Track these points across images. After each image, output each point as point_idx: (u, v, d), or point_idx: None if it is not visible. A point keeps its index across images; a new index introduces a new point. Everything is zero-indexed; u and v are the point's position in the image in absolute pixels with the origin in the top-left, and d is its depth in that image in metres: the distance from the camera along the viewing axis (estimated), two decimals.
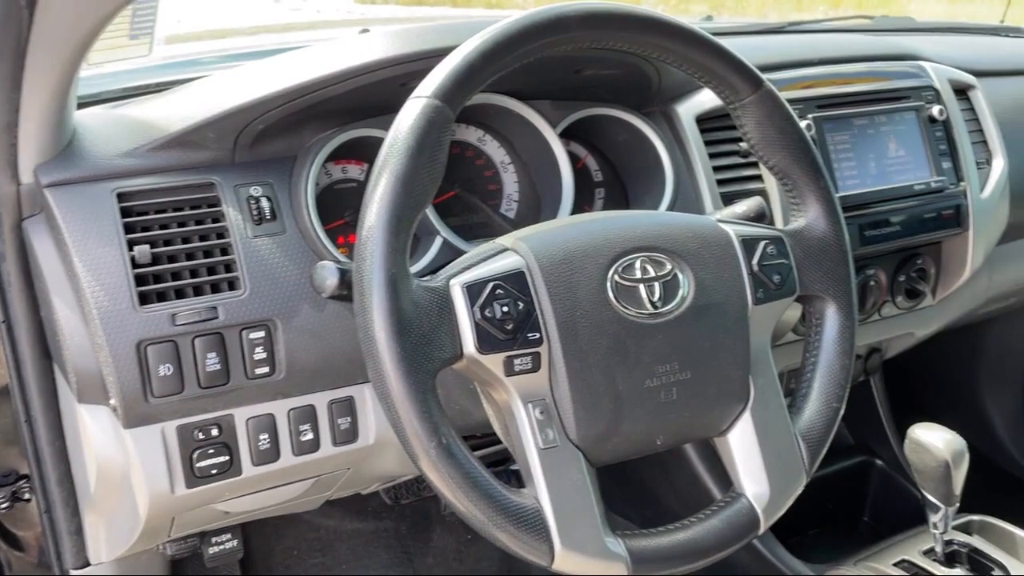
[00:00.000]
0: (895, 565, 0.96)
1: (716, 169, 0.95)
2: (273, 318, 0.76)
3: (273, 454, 0.79)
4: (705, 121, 0.96)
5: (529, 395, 0.64)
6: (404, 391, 0.58)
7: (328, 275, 0.66)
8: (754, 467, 0.70)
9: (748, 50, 1.07)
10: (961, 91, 1.14)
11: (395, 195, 0.60)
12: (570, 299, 0.64)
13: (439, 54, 0.66)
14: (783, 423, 0.73)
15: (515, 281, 0.64)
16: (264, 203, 0.78)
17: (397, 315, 0.58)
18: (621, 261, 0.67)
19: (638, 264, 0.67)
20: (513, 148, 0.97)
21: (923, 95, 1.08)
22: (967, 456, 0.90)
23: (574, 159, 1.01)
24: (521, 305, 0.63)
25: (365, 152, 0.87)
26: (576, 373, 0.64)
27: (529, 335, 0.63)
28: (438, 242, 0.85)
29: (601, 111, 0.95)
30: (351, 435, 0.83)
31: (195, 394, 0.74)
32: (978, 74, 1.18)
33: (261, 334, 0.76)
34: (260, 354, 0.76)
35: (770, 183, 0.96)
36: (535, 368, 0.64)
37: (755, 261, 0.72)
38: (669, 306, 0.67)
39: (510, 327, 0.63)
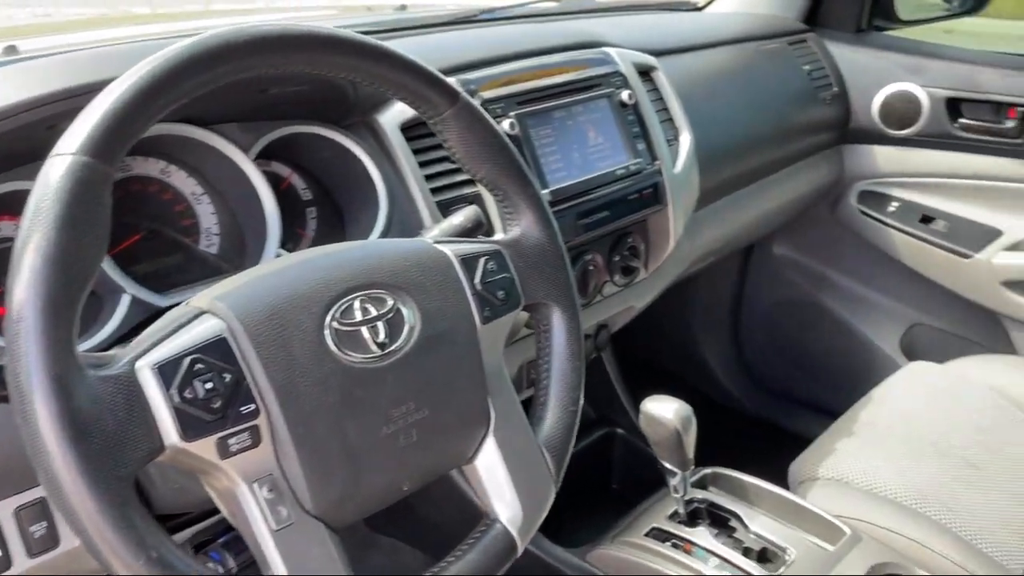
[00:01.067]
0: (647, 535, 1.00)
1: (429, 177, 0.92)
2: None
3: None
4: (411, 128, 0.92)
5: (253, 474, 0.57)
6: (94, 509, 0.49)
7: None
8: (504, 490, 0.69)
9: (444, 48, 1.07)
10: (645, 73, 1.20)
11: (46, 278, 0.49)
12: (285, 359, 0.58)
13: (89, 91, 0.56)
14: (526, 438, 0.72)
15: (217, 350, 0.56)
16: None
17: (71, 420, 0.49)
18: (337, 305, 0.61)
19: (357, 305, 0.62)
20: (205, 178, 0.87)
21: (612, 81, 1.12)
22: (694, 420, 0.96)
23: (278, 180, 0.93)
24: (228, 377, 0.56)
25: (19, 206, 0.73)
26: (303, 439, 0.58)
27: (242, 409, 0.56)
28: (125, 301, 0.74)
29: (296, 129, 0.88)
30: (50, 541, 0.71)
31: None
32: (658, 54, 1.26)
33: None
34: None
35: None
36: (255, 443, 0.57)
37: (477, 280, 0.69)
38: (397, 344, 0.63)
39: (218, 405, 0.55)
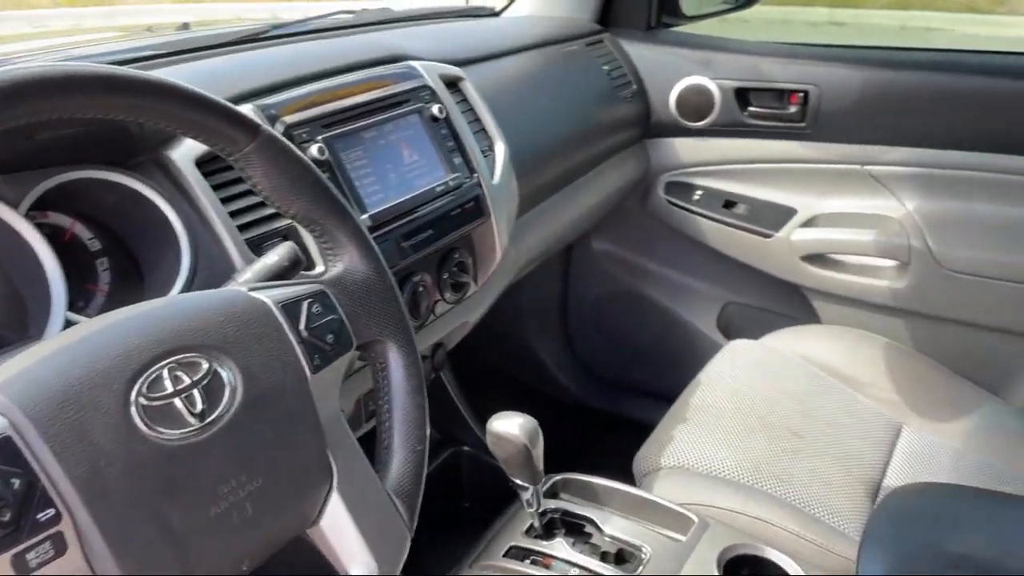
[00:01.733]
0: (505, 556, 0.98)
1: (234, 214, 0.84)
2: None
3: None
4: (208, 163, 0.84)
5: None
6: None
7: None
8: (355, 547, 0.64)
9: (237, 71, 0.99)
10: (452, 84, 1.18)
11: None
12: (86, 450, 0.50)
13: None
14: (373, 487, 0.67)
15: (0, 452, 0.48)
16: None
17: None
18: (143, 378, 0.54)
19: (166, 375, 0.55)
20: None
21: (421, 96, 1.09)
22: (540, 433, 0.95)
23: (59, 232, 0.82)
24: (17, 482, 0.48)
25: None
26: (119, 538, 0.51)
27: (39, 516, 0.48)
28: None
29: (73, 176, 0.78)
30: None
31: None
32: (462, 63, 1.24)
33: None
34: None
35: None
36: (61, 552, 0.49)
37: (302, 326, 0.64)
38: (218, 411, 0.57)
39: (8, 517, 0.47)
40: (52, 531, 0.48)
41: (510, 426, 0.93)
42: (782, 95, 1.56)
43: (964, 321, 1.49)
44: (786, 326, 1.54)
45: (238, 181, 0.86)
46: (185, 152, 0.83)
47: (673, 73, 1.63)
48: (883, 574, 0.72)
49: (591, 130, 1.50)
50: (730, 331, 1.76)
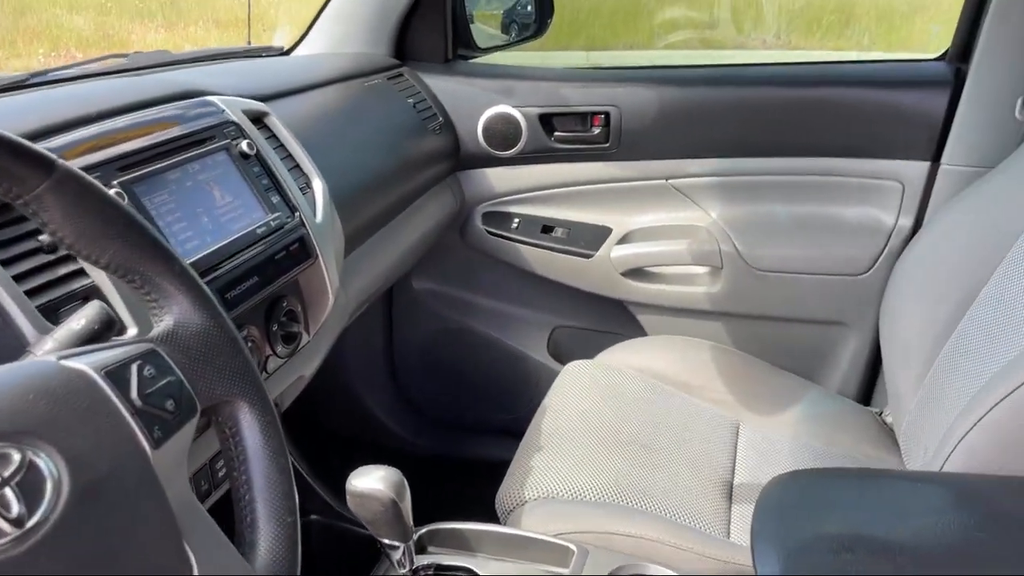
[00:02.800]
0: None
1: (19, 278, 0.70)
2: None
3: None
4: None
5: None
6: None
7: None
8: None
9: (9, 113, 0.85)
10: (258, 120, 1.08)
11: None
12: None
13: None
14: (241, 573, 0.57)
15: None
16: None
17: None
18: None
19: None
20: None
21: (226, 132, 0.99)
22: (406, 483, 0.87)
23: None
24: None
25: None
26: None
27: None
28: None
29: None
30: None
31: None
32: (265, 99, 1.15)
33: None
34: None
35: (100, 274, 0.76)
36: None
37: (134, 395, 0.53)
38: (40, 513, 0.45)
39: None
40: None
41: (373, 481, 0.84)
42: (585, 118, 1.60)
43: (777, 316, 1.58)
44: (615, 343, 1.56)
45: (20, 239, 0.72)
46: None
47: (477, 104, 1.62)
48: (782, 573, 0.71)
49: (405, 164, 1.45)
50: (561, 355, 1.76)
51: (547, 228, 1.66)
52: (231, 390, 0.61)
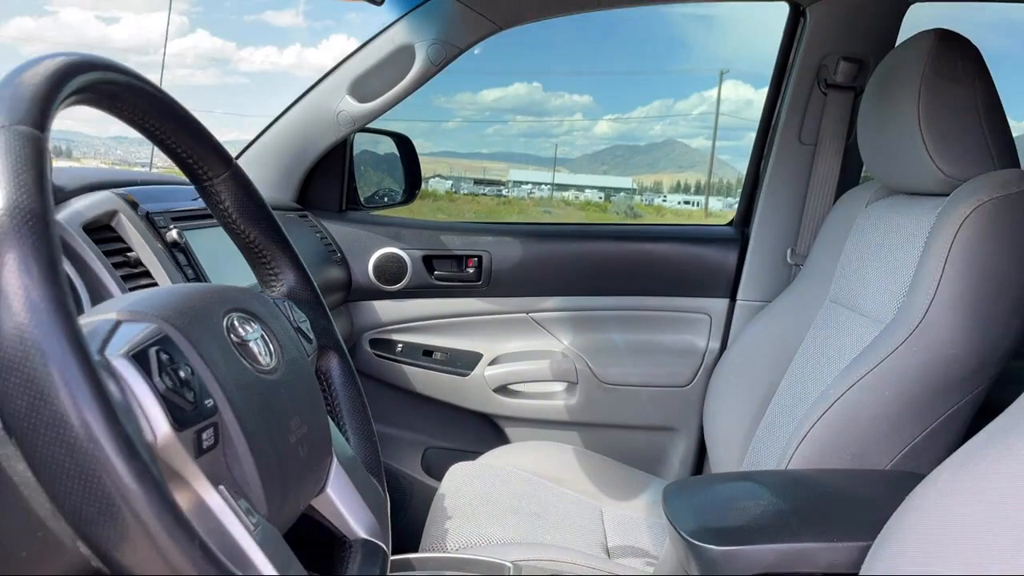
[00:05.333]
0: None
1: (126, 278, 0.87)
2: None
3: None
4: (97, 231, 0.87)
5: (216, 478, 0.52)
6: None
7: None
8: (355, 507, 0.71)
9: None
10: None
11: (45, 246, 0.43)
12: (213, 358, 0.56)
13: None
14: (353, 458, 0.75)
15: (168, 343, 0.52)
16: None
17: (108, 399, 0.42)
18: (227, 319, 0.61)
19: (237, 323, 0.62)
20: None
21: None
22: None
23: None
24: (188, 369, 0.52)
25: None
26: (251, 438, 0.55)
27: (206, 401, 0.52)
28: None
29: None
30: None
31: None
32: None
33: None
34: None
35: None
36: (217, 442, 0.53)
37: (293, 319, 0.73)
38: (275, 362, 0.64)
39: (191, 397, 0.51)
40: (214, 419, 0.52)
41: None
42: (461, 260, 1.92)
43: (622, 424, 1.90)
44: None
45: (124, 250, 0.90)
46: (71, 217, 0.86)
47: (368, 245, 1.90)
48: (693, 524, 0.98)
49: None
50: (433, 473, 1.94)
51: (427, 352, 1.92)
52: (322, 341, 0.81)
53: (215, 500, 0.51)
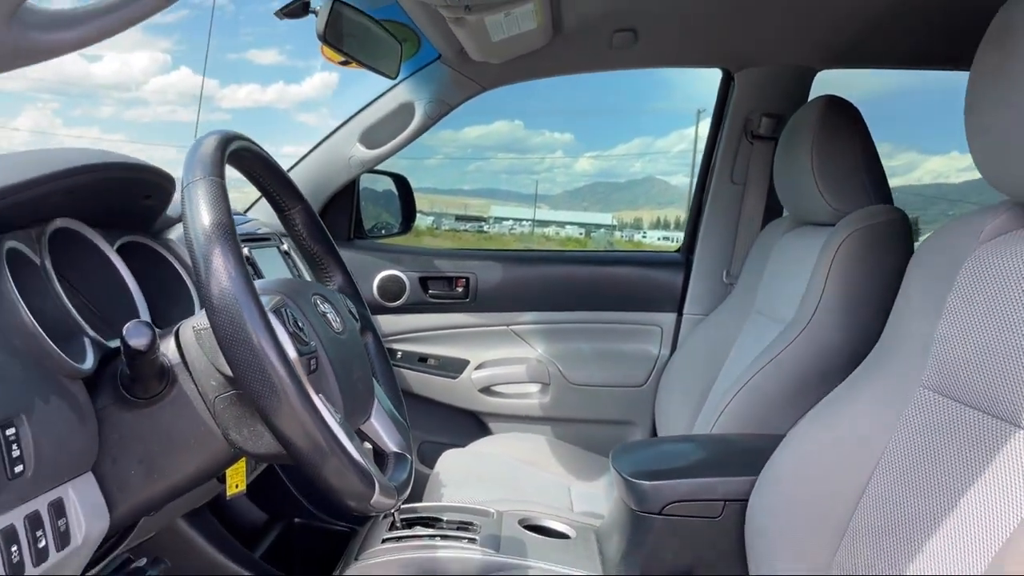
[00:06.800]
0: (384, 542, 1.35)
1: None
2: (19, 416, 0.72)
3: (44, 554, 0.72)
4: None
5: (317, 389, 0.86)
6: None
7: (144, 333, 0.76)
8: (389, 431, 1.05)
9: None
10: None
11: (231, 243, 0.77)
12: (310, 319, 0.90)
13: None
14: (386, 401, 1.09)
15: (289, 307, 0.86)
16: None
17: (273, 330, 0.76)
18: (314, 298, 0.95)
19: (318, 301, 0.97)
20: None
21: (273, 238, 1.55)
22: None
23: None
24: (299, 323, 0.86)
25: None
26: (333, 370, 0.89)
27: (310, 343, 0.86)
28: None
29: (135, 238, 1.11)
30: (65, 539, 0.79)
31: None
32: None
33: (11, 432, 0.71)
34: (15, 451, 0.71)
35: None
36: (316, 368, 0.87)
37: (346, 304, 1.08)
38: (341, 328, 0.98)
39: (304, 337, 0.85)
40: (315, 354, 0.86)
41: None
42: (452, 281, 2.27)
43: (587, 419, 2.25)
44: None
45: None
46: (180, 234, 1.20)
47: (372, 267, 2.24)
48: (633, 468, 1.32)
49: None
50: (427, 463, 2.27)
51: (423, 358, 2.26)
52: (362, 323, 1.16)
53: (318, 400, 0.85)
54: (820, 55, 2.03)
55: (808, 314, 1.54)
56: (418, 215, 2.47)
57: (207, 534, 1.33)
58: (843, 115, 1.63)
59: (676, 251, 2.36)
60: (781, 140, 1.75)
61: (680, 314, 2.25)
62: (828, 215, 1.62)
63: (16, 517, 0.72)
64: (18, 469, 0.71)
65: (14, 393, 0.73)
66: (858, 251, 1.52)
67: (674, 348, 2.23)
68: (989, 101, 0.94)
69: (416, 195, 2.43)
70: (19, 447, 0.72)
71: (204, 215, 0.77)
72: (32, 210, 0.89)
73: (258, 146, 0.98)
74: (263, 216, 1.91)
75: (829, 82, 2.16)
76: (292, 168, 2.16)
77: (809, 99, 2.10)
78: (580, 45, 1.95)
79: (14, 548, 0.70)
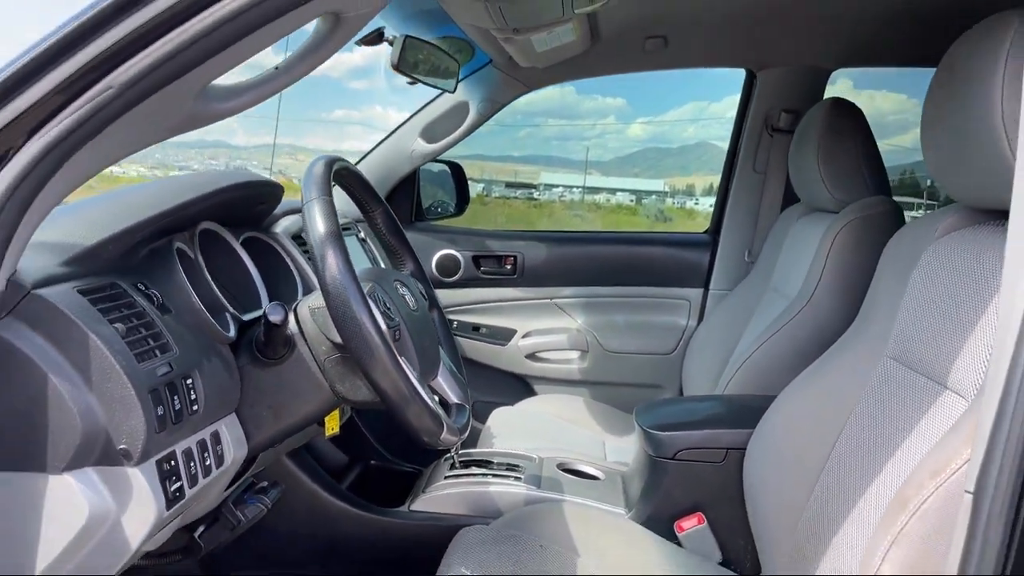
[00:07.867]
0: (446, 478, 1.65)
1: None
2: (194, 369, 1.03)
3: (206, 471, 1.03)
4: (296, 238, 1.52)
5: (400, 352, 1.14)
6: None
7: (280, 311, 1.05)
8: (453, 387, 1.33)
9: None
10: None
11: (341, 246, 1.06)
12: (394, 299, 1.19)
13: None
14: (449, 364, 1.38)
15: (378, 290, 1.15)
16: (154, 296, 1.03)
17: (371, 307, 1.05)
18: (395, 283, 1.24)
19: (398, 284, 1.25)
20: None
21: (351, 227, 1.85)
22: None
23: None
24: (386, 302, 1.15)
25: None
26: (412, 340, 1.18)
27: (395, 319, 1.15)
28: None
29: (251, 232, 1.41)
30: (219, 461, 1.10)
31: (169, 429, 0.95)
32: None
33: (190, 381, 1.01)
34: (193, 395, 1.01)
35: None
36: (399, 338, 1.15)
37: (418, 286, 1.36)
38: (416, 305, 1.27)
39: (390, 313, 1.14)
40: (398, 327, 1.15)
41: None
42: (501, 259, 2.54)
43: (621, 383, 2.52)
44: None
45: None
46: (286, 228, 1.50)
47: (432, 247, 2.53)
48: (654, 421, 1.59)
49: None
50: (479, 420, 2.57)
51: (475, 327, 2.55)
52: (430, 302, 1.44)
53: (402, 361, 1.13)
54: (834, 56, 2.23)
55: (809, 292, 1.77)
56: (468, 182, 2.73)
57: (305, 469, 1.64)
58: (847, 115, 1.85)
59: (705, 232, 2.60)
60: (796, 134, 1.98)
61: (707, 289, 2.49)
62: (832, 203, 1.84)
63: (192, 442, 1.02)
64: (195, 408, 1.01)
65: (191, 354, 1.04)
66: (854, 238, 1.75)
67: (701, 320, 2.48)
68: (940, 125, 1.14)
69: (466, 162, 2.69)
70: (195, 392, 1.02)
71: (320, 226, 1.06)
72: (190, 217, 1.19)
73: (352, 165, 1.26)
74: (342, 207, 2.21)
75: (847, 81, 2.37)
76: (362, 159, 2.45)
77: (824, 96, 2.31)
78: (615, 51, 2.19)
79: (192, 463, 1.01)
